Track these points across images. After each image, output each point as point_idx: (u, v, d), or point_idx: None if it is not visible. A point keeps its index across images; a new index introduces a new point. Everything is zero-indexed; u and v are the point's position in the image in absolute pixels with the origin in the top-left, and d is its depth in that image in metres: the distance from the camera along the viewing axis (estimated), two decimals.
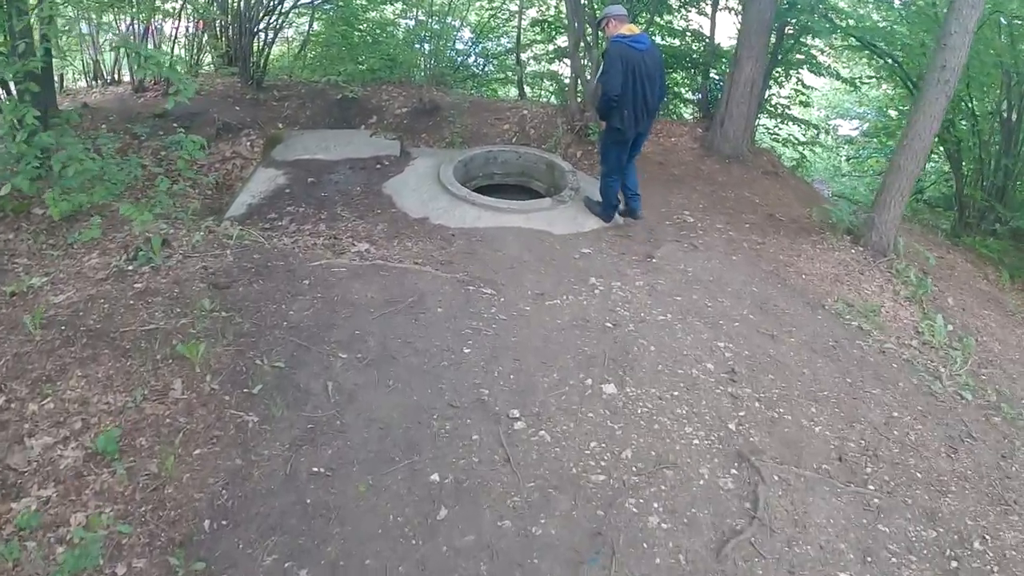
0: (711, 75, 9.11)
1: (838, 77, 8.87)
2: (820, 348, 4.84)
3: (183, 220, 5.71)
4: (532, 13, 10.58)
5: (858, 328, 5.23)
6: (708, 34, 9.01)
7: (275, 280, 4.53)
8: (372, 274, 4.76)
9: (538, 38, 10.58)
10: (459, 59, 11.11)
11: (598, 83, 5.60)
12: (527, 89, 11.19)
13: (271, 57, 10.39)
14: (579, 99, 8.11)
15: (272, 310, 4.22)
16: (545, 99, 10.59)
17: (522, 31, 10.64)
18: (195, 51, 9.99)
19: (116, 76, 9.79)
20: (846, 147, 11.54)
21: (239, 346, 3.91)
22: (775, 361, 4.57)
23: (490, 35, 11.39)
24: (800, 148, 9.80)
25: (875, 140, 11.92)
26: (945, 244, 8.17)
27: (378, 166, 6.99)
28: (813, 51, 8.98)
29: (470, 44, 11.29)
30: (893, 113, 11.51)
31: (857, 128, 12.01)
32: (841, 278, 5.97)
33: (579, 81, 8.13)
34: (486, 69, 11.57)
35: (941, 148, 10.65)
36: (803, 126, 9.40)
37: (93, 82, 9.84)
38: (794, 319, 5.14)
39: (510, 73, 11.19)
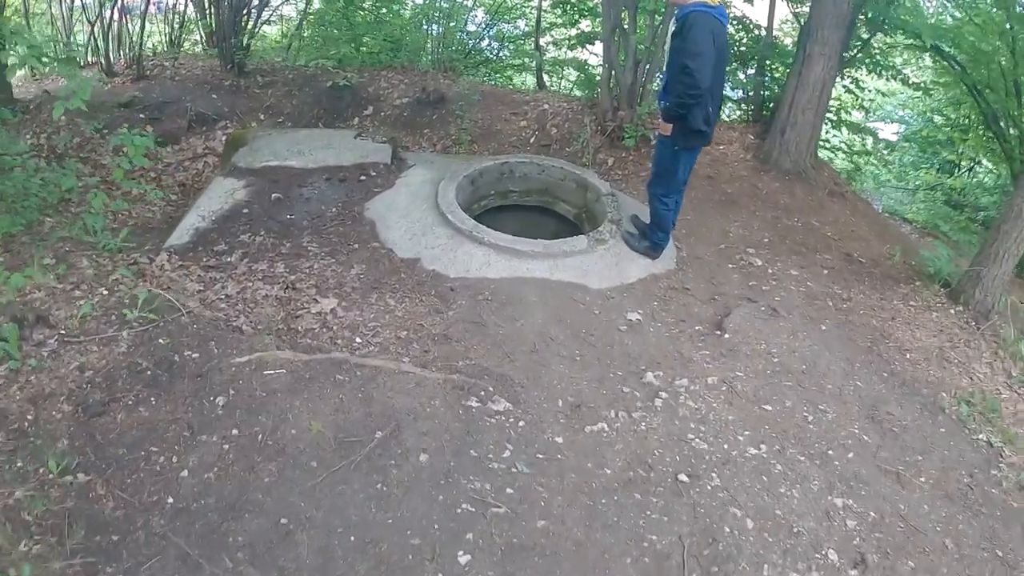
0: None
1: (905, 82, 6.83)
2: (954, 492, 3.04)
3: (110, 252, 3.88)
4: None
5: (987, 444, 3.40)
6: (760, 23, 6.93)
7: (175, 396, 2.66)
8: (324, 380, 2.86)
9: (559, 21, 8.46)
10: (471, 43, 9.02)
11: (681, 69, 3.57)
12: (546, 78, 9.14)
13: (260, 38, 8.36)
14: (613, 95, 6.13)
15: (156, 468, 2.36)
16: (567, 91, 8.54)
17: (542, 12, 8.52)
18: (178, 29, 7.96)
19: (87, 59, 7.78)
20: (884, 153, 9.53)
21: (89, 556, 2.06)
22: (909, 528, 2.76)
23: (506, 16, 9.27)
24: (854, 159, 7.78)
25: (914, 146, 9.90)
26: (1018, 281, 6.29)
27: (362, 177, 5.05)
28: (880, 49, 6.92)
29: (483, 26, 9.16)
30: (938, 119, 9.49)
31: (897, 133, 9.96)
32: (947, 354, 4.11)
33: (613, 74, 6.13)
34: (500, 54, 9.48)
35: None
36: (863, 135, 7.37)
37: None
38: (916, 436, 3.32)
39: (527, 59, 9.11)
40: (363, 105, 6.85)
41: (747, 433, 3.02)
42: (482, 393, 2.96)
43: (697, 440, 2.92)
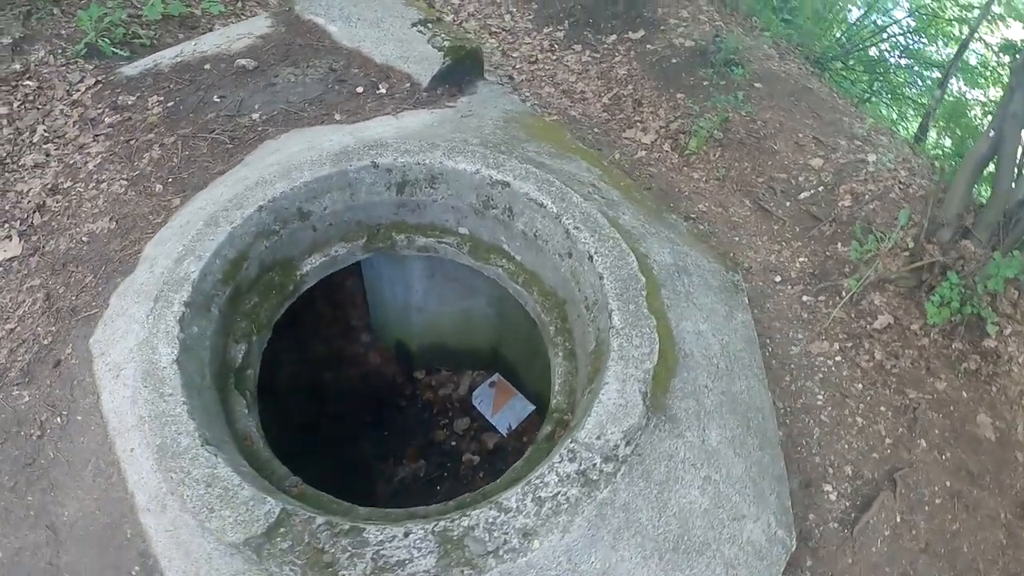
0: None
1: None
2: None
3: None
4: None
5: None
6: None
7: None
8: None
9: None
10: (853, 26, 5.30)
11: None
12: (932, 132, 5.11)
13: None
14: (965, 203, 2.56)
15: None
16: (932, 155, 4.52)
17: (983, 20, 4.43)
18: None
19: None
20: None
21: None
22: None
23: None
24: None
25: None
26: None
27: (360, 89, 2.70)
28: None
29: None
30: None
31: None
32: None
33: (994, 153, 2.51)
34: (893, 56, 5.50)
35: None
36: None
37: None
38: None
39: (914, 88, 5.11)
40: None
41: None
42: None
43: None
